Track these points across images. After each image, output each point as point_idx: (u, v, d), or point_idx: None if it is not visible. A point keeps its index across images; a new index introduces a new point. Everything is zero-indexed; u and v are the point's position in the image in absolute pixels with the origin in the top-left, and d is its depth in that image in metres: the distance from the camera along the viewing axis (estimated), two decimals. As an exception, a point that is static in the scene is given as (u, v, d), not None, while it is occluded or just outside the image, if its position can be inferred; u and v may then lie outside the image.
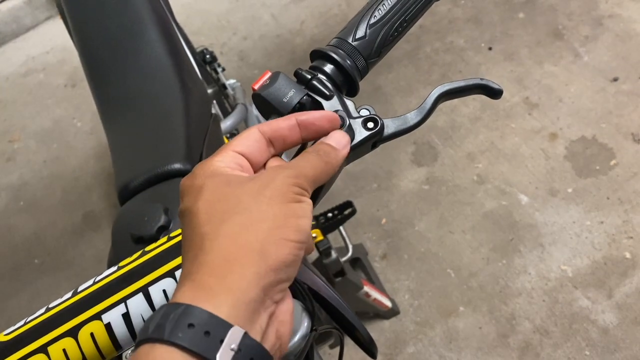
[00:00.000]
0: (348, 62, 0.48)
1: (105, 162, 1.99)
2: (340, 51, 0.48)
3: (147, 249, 0.49)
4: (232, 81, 1.53)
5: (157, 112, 0.90)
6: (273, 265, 0.34)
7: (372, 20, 0.48)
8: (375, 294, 1.40)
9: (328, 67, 0.48)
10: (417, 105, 0.47)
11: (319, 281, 0.72)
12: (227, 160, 0.40)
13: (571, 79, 1.75)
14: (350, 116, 0.46)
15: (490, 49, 1.89)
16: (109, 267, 0.74)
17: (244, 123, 1.38)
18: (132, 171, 0.80)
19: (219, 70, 1.50)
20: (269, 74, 0.47)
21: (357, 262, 1.51)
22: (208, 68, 1.49)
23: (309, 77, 0.46)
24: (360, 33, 0.48)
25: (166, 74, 0.95)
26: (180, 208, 0.40)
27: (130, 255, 0.73)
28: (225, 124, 1.26)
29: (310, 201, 0.39)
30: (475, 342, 1.40)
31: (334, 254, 1.32)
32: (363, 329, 0.74)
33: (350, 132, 0.45)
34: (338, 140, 0.44)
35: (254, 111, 1.50)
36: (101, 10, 1.01)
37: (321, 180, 0.42)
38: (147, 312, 0.46)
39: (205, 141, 0.89)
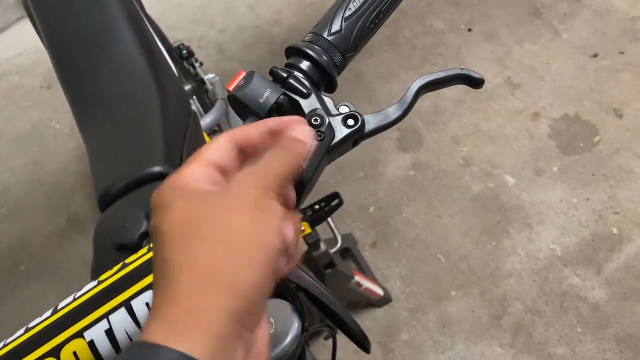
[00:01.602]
0: (324, 57, 0.46)
1: (87, 164, 1.95)
2: (316, 47, 0.47)
3: (127, 260, 0.47)
4: (210, 76, 1.50)
5: (134, 113, 0.87)
6: (243, 292, 0.32)
7: (348, 13, 0.47)
8: (366, 283, 1.40)
9: (304, 64, 0.46)
10: (399, 92, 0.46)
11: (307, 278, 0.71)
12: (196, 173, 0.38)
13: (551, 57, 1.75)
14: (329, 114, 0.44)
15: (469, 30, 1.88)
16: (92, 276, 0.72)
17: (225, 118, 1.36)
18: (111, 176, 0.78)
19: (197, 65, 1.47)
20: (243, 74, 0.45)
21: (346, 252, 1.50)
22: (185, 63, 1.46)
23: (285, 75, 0.45)
24: (335, 27, 0.47)
25: (141, 73, 0.92)
26: (151, 228, 0.38)
27: (113, 264, 0.71)
28: (205, 120, 1.24)
29: (279, 206, 0.37)
30: (468, 325, 1.40)
31: (322, 246, 1.31)
32: (355, 325, 0.73)
33: (330, 130, 0.44)
34: (302, 132, 0.42)
35: (235, 105, 1.48)
36: (70, 10, 0.98)
37: (290, 174, 0.40)
38: (130, 326, 0.45)
39: (185, 141, 0.87)
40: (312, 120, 0.43)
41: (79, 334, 0.44)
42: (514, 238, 1.49)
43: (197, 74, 1.48)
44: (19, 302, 1.72)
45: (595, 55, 1.71)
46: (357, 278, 1.37)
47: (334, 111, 0.45)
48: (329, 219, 1.39)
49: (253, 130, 0.41)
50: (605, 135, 1.57)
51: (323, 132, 0.43)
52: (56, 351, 0.44)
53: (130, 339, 0.45)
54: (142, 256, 0.47)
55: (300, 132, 0.42)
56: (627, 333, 1.32)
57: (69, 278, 1.70)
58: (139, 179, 0.76)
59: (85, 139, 0.89)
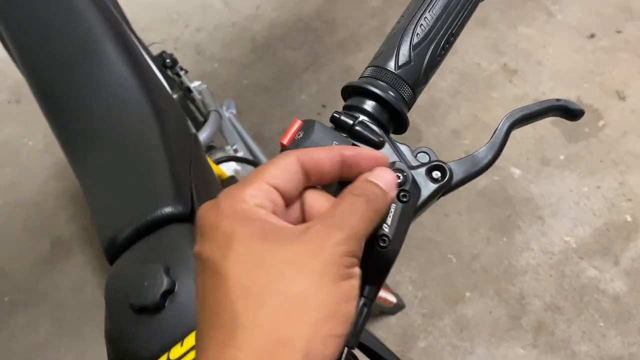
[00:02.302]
0: (391, 94, 0.39)
1: (67, 182, 1.85)
2: (381, 82, 0.39)
3: (172, 357, 0.39)
4: (197, 83, 1.41)
5: (132, 145, 0.78)
6: None
7: (416, 41, 0.39)
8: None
9: (369, 105, 0.38)
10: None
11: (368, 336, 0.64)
12: (260, 197, 0.33)
13: (547, 39, 1.69)
14: (409, 166, 0.37)
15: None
16: (108, 339, 0.64)
17: (220, 132, 1.27)
18: (116, 221, 0.69)
19: (182, 73, 1.37)
20: (298, 123, 0.37)
21: (354, 259, 1.44)
22: (169, 73, 1.36)
23: (351, 122, 0.37)
24: (403, 58, 0.39)
25: (134, 97, 0.83)
26: (197, 251, 0.32)
27: (133, 327, 0.63)
28: (201, 136, 1.15)
29: (360, 270, 0.32)
30: (487, 327, 1.35)
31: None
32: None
33: (416, 188, 0.36)
34: (386, 180, 0.35)
35: (226, 114, 1.39)
36: (47, 30, 0.87)
37: (370, 233, 0.34)
38: None
39: (191, 171, 0.78)
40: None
41: None
42: (526, 232, 1.44)
43: (182, 83, 1.39)
44: (6, 336, 1.61)
45: (593, 36, 1.66)
46: (370, 288, 1.30)
47: (413, 162, 0.37)
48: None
49: (325, 156, 0.35)
50: (610, 119, 1.52)
51: (408, 191, 0.35)
52: None
53: None
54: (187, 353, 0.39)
55: (384, 179, 0.35)
56: (650, 324, 1.28)
57: (60, 307, 1.60)
58: (149, 224, 0.67)
59: (80, 177, 0.80)
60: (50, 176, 1.88)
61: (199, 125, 1.17)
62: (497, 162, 1.40)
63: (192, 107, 1.42)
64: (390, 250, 0.35)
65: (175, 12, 2.15)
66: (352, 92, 0.39)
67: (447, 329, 1.37)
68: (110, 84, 0.84)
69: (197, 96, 1.35)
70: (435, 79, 1.57)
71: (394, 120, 0.39)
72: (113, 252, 0.68)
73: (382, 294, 1.35)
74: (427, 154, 0.38)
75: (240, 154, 1.21)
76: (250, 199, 0.32)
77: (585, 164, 1.48)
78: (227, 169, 1.05)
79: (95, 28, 0.88)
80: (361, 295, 0.36)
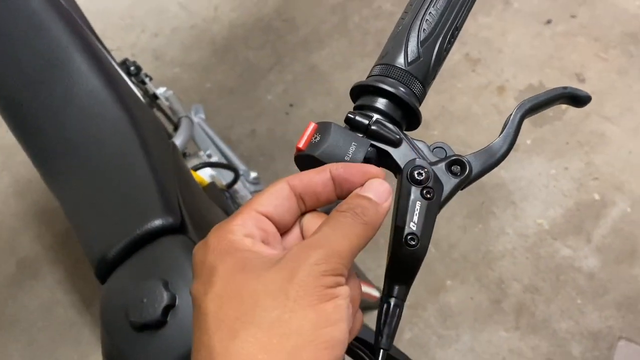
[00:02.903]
0: (402, 89, 0.38)
1: (29, 200, 1.77)
2: (390, 80, 0.38)
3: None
4: (162, 90, 1.38)
5: (112, 158, 0.75)
6: None
7: (423, 36, 0.39)
8: (362, 288, 1.34)
9: (381, 103, 0.38)
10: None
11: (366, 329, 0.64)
12: (248, 225, 0.32)
13: (506, 27, 1.73)
14: (429, 162, 0.36)
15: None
16: (105, 358, 0.61)
17: (192, 140, 1.24)
18: (105, 237, 0.66)
19: (147, 80, 1.34)
20: (313, 126, 0.36)
21: (334, 257, 1.43)
22: (134, 80, 1.32)
23: (367, 122, 0.36)
24: (412, 54, 0.38)
25: (109, 108, 0.80)
26: (190, 291, 0.32)
27: (135, 346, 0.61)
28: (175, 143, 1.12)
29: (347, 288, 0.31)
30: (470, 314, 1.37)
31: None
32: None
33: (438, 184, 0.36)
34: (377, 192, 0.35)
35: (195, 119, 1.36)
36: (11, 45, 0.83)
37: (361, 247, 0.34)
38: None
39: (175, 179, 0.76)
40: (416, 174, 0.35)
41: None
42: (500, 218, 1.46)
43: (147, 90, 1.35)
44: (-24, 366, 1.54)
45: (549, 22, 1.70)
46: (353, 284, 1.30)
47: (432, 158, 0.37)
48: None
49: (316, 178, 0.34)
50: (571, 102, 1.57)
51: (431, 187, 0.35)
52: None
53: None
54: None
55: (375, 191, 0.35)
56: (625, 297, 1.33)
57: (31, 331, 1.54)
58: (140, 239, 0.65)
59: (59, 196, 0.76)
60: (9, 195, 1.80)
61: (169, 133, 1.14)
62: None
63: (160, 114, 1.39)
64: (420, 248, 0.34)
65: (130, 17, 2.09)
66: (363, 92, 0.38)
67: (432, 319, 1.38)
68: (83, 97, 0.81)
69: (164, 103, 1.32)
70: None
71: (407, 116, 0.39)
72: (104, 270, 0.65)
73: (365, 289, 1.35)
74: (444, 148, 0.38)
75: (214, 159, 1.19)
76: (238, 229, 0.32)
77: (552, 147, 1.52)
78: (204, 175, 1.03)
79: (61, 38, 0.84)
80: (392, 295, 0.35)
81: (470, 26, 1.74)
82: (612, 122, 1.52)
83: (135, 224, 0.66)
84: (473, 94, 1.64)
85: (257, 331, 0.28)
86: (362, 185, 0.35)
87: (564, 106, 1.52)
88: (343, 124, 0.37)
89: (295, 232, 0.35)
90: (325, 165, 0.35)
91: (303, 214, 0.35)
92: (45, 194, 1.66)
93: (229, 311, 0.29)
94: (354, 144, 0.35)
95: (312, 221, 0.35)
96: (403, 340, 1.37)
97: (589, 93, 0.41)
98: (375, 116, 0.37)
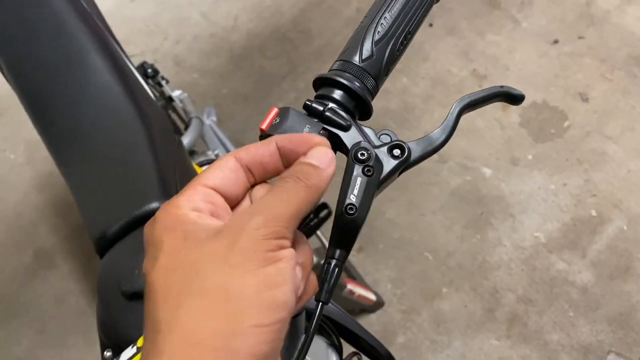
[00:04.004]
0: (357, 84, 0.43)
1: (49, 193, 1.86)
2: (347, 74, 0.44)
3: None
4: (178, 92, 1.45)
5: (119, 146, 0.82)
6: None
7: (377, 37, 0.44)
8: (358, 290, 1.38)
9: (337, 94, 0.43)
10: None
11: (334, 309, 0.68)
12: (195, 200, 0.33)
13: (514, 46, 1.77)
14: (373, 146, 0.42)
15: (430, 25, 1.88)
16: (101, 327, 0.67)
17: (201, 139, 1.31)
18: (105, 218, 0.73)
19: (163, 83, 1.41)
20: (275, 110, 0.42)
21: (334, 260, 1.48)
22: (151, 82, 1.40)
23: (322, 108, 0.42)
24: (366, 52, 0.44)
25: (119, 102, 0.87)
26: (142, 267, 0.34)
27: (125, 313, 0.66)
28: (184, 141, 1.19)
29: (292, 251, 0.32)
30: (463, 321, 1.40)
31: (315, 258, 1.28)
32: (380, 346, 0.71)
33: (379, 164, 0.41)
34: (320, 158, 0.36)
35: (206, 121, 1.43)
36: (33, 43, 0.91)
37: (305, 211, 0.35)
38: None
39: (176, 170, 0.82)
40: (359, 154, 0.40)
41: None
42: (498, 229, 1.50)
43: (163, 92, 1.43)
44: (-10, 348, 1.62)
45: (556, 42, 1.74)
46: (350, 286, 1.35)
47: (376, 142, 0.42)
48: (319, 232, 1.37)
49: (262, 149, 0.36)
50: (574, 120, 1.60)
51: (372, 166, 0.40)
52: None
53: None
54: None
55: (318, 157, 0.36)
56: (617, 312, 1.35)
57: (44, 318, 1.61)
58: (137, 219, 0.71)
59: (68, 179, 0.83)
60: (31, 188, 1.89)
61: (180, 132, 1.21)
62: (469, 163, 1.47)
63: (174, 115, 1.46)
64: (358, 218, 0.39)
65: (154, 24, 2.19)
66: (323, 83, 0.44)
67: (425, 324, 1.42)
68: (96, 90, 0.88)
69: (178, 104, 1.39)
70: (408, 85, 1.64)
71: (359, 107, 0.44)
72: (103, 246, 0.71)
73: (362, 292, 1.40)
74: (389, 135, 0.43)
75: (221, 159, 1.25)
76: (184, 203, 0.33)
77: (552, 163, 1.55)
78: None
79: (80, 38, 0.92)
80: (333, 257, 0.40)
81: (478, 43, 1.79)
82: (613, 141, 1.55)
83: (134, 206, 0.73)
84: (477, 109, 1.68)
85: (200, 299, 0.29)
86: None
87: (566, 123, 1.56)
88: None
89: (245, 203, 0.36)
90: (271, 137, 0.37)
91: (253, 185, 0.37)
92: (63, 188, 1.74)
93: (174, 282, 0.30)
94: (308, 126, 0.41)
95: (260, 191, 0.36)
96: (396, 344, 1.41)
97: (522, 93, 0.46)
98: (331, 104, 0.42)
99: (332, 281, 0.40)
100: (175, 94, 1.41)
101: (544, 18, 1.80)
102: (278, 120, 0.41)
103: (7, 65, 0.92)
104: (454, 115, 0.44)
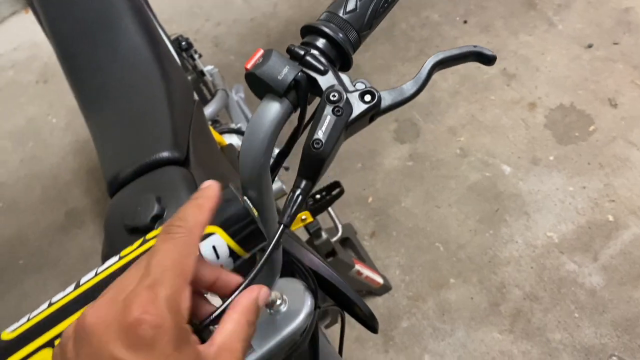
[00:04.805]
0: (340, 35, 0.47)
1: (84, 158, 1.96)
2: (332, 25, 0.47)
3: (148, 236, 0.48)
4: (209, 67, 1.51)
5: (140, 102, 0.88)
6: None
7: None
8: (366, 272, 1.41)
9: (320, 42, 0.47)
10: (396, 83, 0.47)
11: (318, 261, 0.72)
12: None
13: (547, 47, 1.77)
14: (346, 90, 0.45)
15: (465, 22, 1.89)
16: (103, 260, 0.73)
17: (225, 109, 1.36)
18: (120, 162, 0.79)
19: (196, 56, 1.48)
20: (261, 52, 0.46)
21: (346, 241, 1.52)
22: (184, 55, 1.46)
23: (302, 52, 0.46)
24: (350, 6, 0.48)
25: (145, 62, 0.93)
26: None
27: (126, 246, 0.72)
28: (207, 111, 1.25)
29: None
30: (467, 312, 1.42)
31: (324, 235, 1.32)
32: (363, 305, 0.74)
33: (348, 106, 0.45)
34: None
35: (234, 96, 1.49)
36: (74, 3, 0.98)
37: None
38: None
39: (190, 128, 0.88)
40: (331, 95, 0.44)
41: (103, 307, 0.45)
42: (512, 226, 1.50)
43: (196, 66, 1.49)
44: (18, 296, 1.72)
45: (590, 46, 1.73)
46: (358, 267, 1.38)
47: (351, 88, 0.46)
48: (330, 209, 1.41)
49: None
50: (600, 125, 1.59)
51: (341, 107, 0.44)
52: (81, 324, 0.44)
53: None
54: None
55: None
56: (623, 318, 1.34)
57: (70, 272, 1.70)
58: (148, 164, 0.77)
59: (91, 128, 0.90)
60: (68, 152, 2.00)
61: (205, 98, 1.27)
62: (490, 160, 1.49)
63: (205, 89, 1.53)
64: (322, 152, 0.43)
65: (198, 6, 2.27)
66: (308, 31, 0.48)
67: (430, 312, 1.44)
68: (126, 51, 0.94)
69: (208, 78, 1.46)
70: (436, 79, 1.67)
71: (340, 57, 0.48)
72: (114, 187, 0.77)
73: (370, 274, 1.43)
74: (364, 83, 0.46)
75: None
76: None
77: (573, 165, 1.55)
78: (230, 140, 1.14)
79: (116, 3, 0.99)
80: (299, 187, 0.44)
81: (511, 43, 1.80)
82: (638, 148, 1.53)
83: (146, 154, 0.78)
84: (504, 107, 1.69)
85: None
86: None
87: (591, 127, 1.55)
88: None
89: None
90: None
91: None
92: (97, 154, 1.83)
93: None
94: (287, 67, 0.45)
95: None
96: (400, 328, 1.43)
97: (495, 54, 0.48)
98: (312, 51, 0.46)
99: (295, 207, 0.44)
100: (207, 68, 1.47)
101: (580, 22, 1.79)
102: (261, 60, 0.45)
103: (48, 23, 1.00)
104: (427, 69, 0.47)
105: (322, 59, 0.46)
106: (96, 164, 1.95)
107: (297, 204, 0.44)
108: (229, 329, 0.40)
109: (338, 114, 0.44)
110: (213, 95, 1.29)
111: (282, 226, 0.44)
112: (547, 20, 1.82)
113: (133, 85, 0.91)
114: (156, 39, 0.99)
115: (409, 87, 0.47)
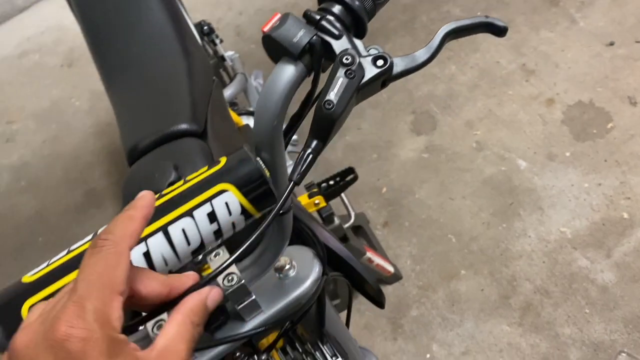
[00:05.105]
0: (357, 2, 0.49)
1: (105, 140, 2.00)
2: (349, -8, 0.49)
3: (165, 191, 0.50)
4: (230, 53, 1.54)
5: (161, 76, 0.91)
6: None
7: None
8: (377, 260, 1.43)
9: (336, 8, 0.49)
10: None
11: (328, 235, 0.74)
12: None
13: (567, 44, 1.76)
14: (359, 55, 0.47)
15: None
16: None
17: (243, 93, 1.38)
18: (140, 132, 0.81)
19: (217, 41, 1.50)
20: (278, 15, 0.48)
21: (359, 230, 1.53)
22: (206, 39, 1.49)
23: (318, 17, 0.47)
24: (368, -26, 0.49)
25: (168, 39, 0.96)
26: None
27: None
28: (227, 92, 1.27)
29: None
30: (477, 303, 1.42)
31: (336, 220, 1.33)
32: (371, 279, 0.76)
33: (360, 70, 0.46)
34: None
35: (253, 82, 1.51)
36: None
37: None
38: (167, 250, 0.47)
39: (209, 104, 0.90)
40: (344, 59, 0.46)
41: (118, 256, 0.47)
42: (525, 220, 1.50)
43: (216, 51, 1.51)
44: (37, 272, 1.76)
45: (612, 44, 1.72)
46: (369, 254, 1.39)
47: (364, 53, 0.47)
48: (344, 196, 1.42)
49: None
50: (619, 123, 1.58)
51: (353, 70, 0.46)
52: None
53: (166, 263, 0.48)
54: (177, 187, 0.50)
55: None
56: (635, 315, 1.33)
57: (87, 249, 1.74)
58: (167, 135, 0.79)
59: (113, 100, 0.93)
60: (90, 134, 2.04)
61: (224, 82, 1.30)
62: (506, 154, 1.49)
63: (225, 75, 1.55)
64: (334, 113, 0.45)
65: (221, -5, 2.30)
66: (327, -2, 0.49)
67: (440, 302, 1.45)
68: (149, 27, 0.97)
69: (229, 63, 1.48)
70: (456, 72, 1.68)
71: (355, 24, 0.49)
72: (133, 156, 0.80)
73: (381, 262, 1.44)
74: (377, 49, 0.48)
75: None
76: None
77: (590, 162, 1.54)
78: (247, 121, 1.16)
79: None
80: (310, 147, 0.46)
81: (531, 39, 1.79)
82: (656, 147, 1.52)
83: (165, 125, 0.81)
84: (522, 103, 1.69)
85: None
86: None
87: (609, 125, 1.55)
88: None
89: None
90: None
91: None
92: (118, 138, 1.87)
93: None
94: (303, 30, 0.46)
95: None
96: (409, 317, 1.44)
97: (507, 25, 0.49)
98: (329, 16, 0.48)
99: (305, 166, 0.45)
100: (228, 53, 1.49)
101: (603, 19, 1.78)
102: (278, 24, 0.47)
103: (75, 1, 1.02)
104: (439, 38, 0.49)
105: (337, 24, 0.48)
106: (117, 147, 1.99)
107: (307, 162, 0.46)
108: (172, 331, 0.40)
109: (350, 76, 0.45)
110: (232, 79, 1.31)
111: (291, 183, 0.45)
112: (569, 17, 1.81)
113: (155, 60, 0.93)
114: (178, 18, 1.01)
115: (421, 55, 0.48)
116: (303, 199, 1.28)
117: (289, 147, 1.45)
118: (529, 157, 1.59)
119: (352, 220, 1.41)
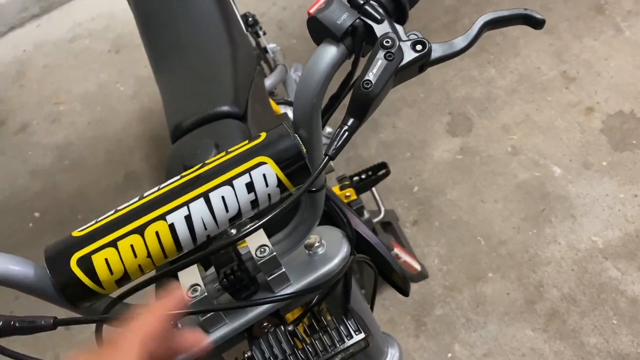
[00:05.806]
0: (398, -11, 0.51)
1: (147, 125, 2.06)
2: (392, -22, 0.51)
3: (208, 161, 0.53)
4: (272, 45, 1.57)
5: (207, 61, 0.94)
6: None
7: None
8: (404, 257, 1.44)
9: None
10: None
11: (357, 220, 0.76)
12: None
13: (611, 53, 1.74)
14: (399, 39, 0.49)
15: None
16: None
17: (282, 84, 1.42)
18: (184, 112, 0.85)
19: (260, 33, 1.54)
20: (323, -1, 0.50)
21: (388, 226, 1.54)
22: (250, 30, 1.53)
23: (362, 1, 0.50)
24: (410, -37, 0.51)
25: (215, 26, 0.99)
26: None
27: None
28: (267, 82, 1.30)
29: None
30: (502, 307, 1.42)
31: (366, 214, 1.35)
32: (397, 265, 0.78)
33: (400, 53, 0.48)
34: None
35: (292, 74, 1.54)
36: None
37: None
38: (207, 215, 0.50)
39: (250, 90, 0.93)
40: (384, 42, 0.48)
41: (162, 217, 0.50)
42: (556, 227, 1.49)
43: (259, 43, 1.55)
44: (75, 248, 1.83)
45: (657, 55, 1.69)
46: (397, 250, 1.41)
47: (404, 37, 0.50)
48: (375, 191, 1.44)
49: None
50: (660, 134, 1.56)
51: (393, 53, 0.48)
52: (141, 229, 0.50)
53: (205, 227, 0.51)
54: (220, 158, 0.53)
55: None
56: (664, 329, 1.31)
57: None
58: (209, 116, 0.83)
59: (159, 82, 0.97)
60: (133, 119, 2.10)
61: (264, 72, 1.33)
62: (541, 160, 1.49)
63: (266, 66, 1.59)
64: (371, 92, 0.47)
65: (266, -10, 2.34)
66: (370, -18, 0.52)
67: (465, 303, 1.45)
68: (198, 14, 1.01)
69: (270, 55, 1.51)
70: (495, 76, 1.68)
71: (396, 10, 0.51)
72: (177, 134, 0.84)
73: (408, 259, 1.45)
74: (417, 35, 0.50)
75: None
76: None
77: (627, 173, 1.52)
78: (284, 109, 1.20)
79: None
80: (346, 124, 0.48)
81: (574, 46, 1.78)
82: (697, 161, 1.49)
83: (209, 106, 0.84)
84: (560, 110, 1.68)
85: None
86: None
87: (650, 137, 1.52)
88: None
89: None
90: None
91: None
92: (160, 123, 1.92)
93: None
94: (346, 13, 0.49)
95: None
96: (432, 315, 1.45)
97: (544, 18, 0.51)
98: (372, 1, 0.50)
99: (340, 142, 0.48)
100: (270, 46, 1.53)
101: (650, 30, 1.75)
102: (323, 6, 0.49)
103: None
104: (477, 27, 0.50)
105: (380, 9, 0.50)
106: (157, 133, 2.05)
107: (343, 138, 0.48)
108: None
109: (390, 58, 0.48)
110: (273, 70, 1.35)
111: (327, 157, 0.48)
112: (614, 26, 1.79)
113: (202, 45, 0.97)
114: (226, 6, 1.05)
115: (459, 42, 0.50)
116: (334, 191, 1.30)
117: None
118: (564, 164, 1.58)
119: (381, 216, 1.42)
